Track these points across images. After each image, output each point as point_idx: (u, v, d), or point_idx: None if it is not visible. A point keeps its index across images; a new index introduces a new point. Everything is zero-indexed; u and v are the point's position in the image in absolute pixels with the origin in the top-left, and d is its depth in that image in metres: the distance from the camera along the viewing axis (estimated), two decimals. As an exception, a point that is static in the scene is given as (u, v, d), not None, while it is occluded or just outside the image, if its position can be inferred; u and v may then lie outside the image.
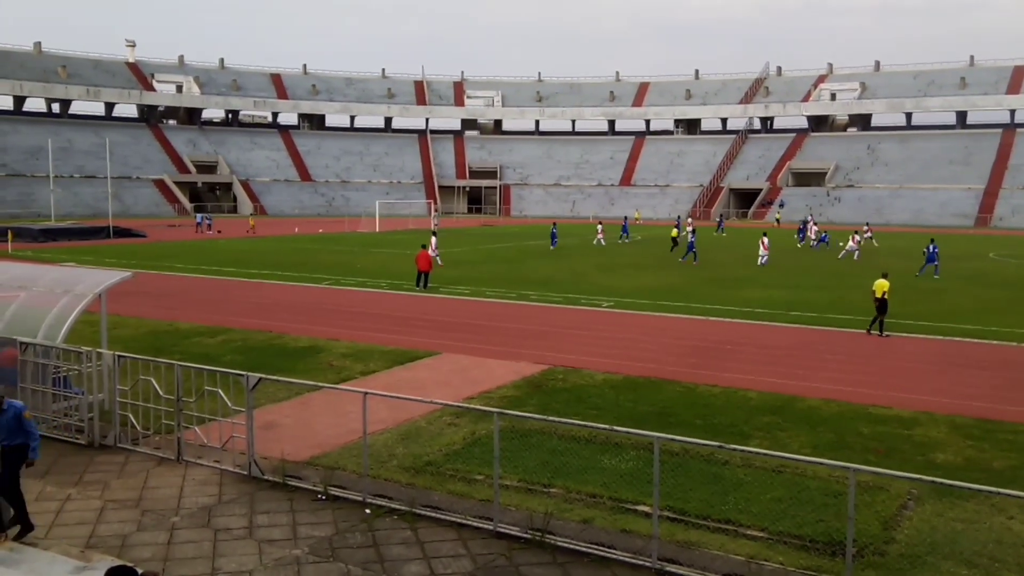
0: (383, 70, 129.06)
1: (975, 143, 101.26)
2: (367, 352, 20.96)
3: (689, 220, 64.47)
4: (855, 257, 48.65)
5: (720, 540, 10.23)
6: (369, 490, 11.49)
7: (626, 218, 71.69)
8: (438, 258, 41.41)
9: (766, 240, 46.03)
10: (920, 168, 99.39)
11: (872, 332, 23.99)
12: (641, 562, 9.64)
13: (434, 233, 44.62)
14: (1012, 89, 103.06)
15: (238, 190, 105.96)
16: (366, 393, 11.66)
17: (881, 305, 23.98)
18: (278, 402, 16.03)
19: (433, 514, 10.94)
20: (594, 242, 58.99)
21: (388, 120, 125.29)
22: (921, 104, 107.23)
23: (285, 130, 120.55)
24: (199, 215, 76.86)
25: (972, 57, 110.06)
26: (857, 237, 50.31)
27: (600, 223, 66.21)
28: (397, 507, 11.14)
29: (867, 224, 65.59)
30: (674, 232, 56.90)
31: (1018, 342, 23.21)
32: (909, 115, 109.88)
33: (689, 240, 48.56)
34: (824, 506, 11.04)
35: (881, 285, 24.04)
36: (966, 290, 34.75)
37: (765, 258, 44.88)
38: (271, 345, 21.81)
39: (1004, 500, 11.05)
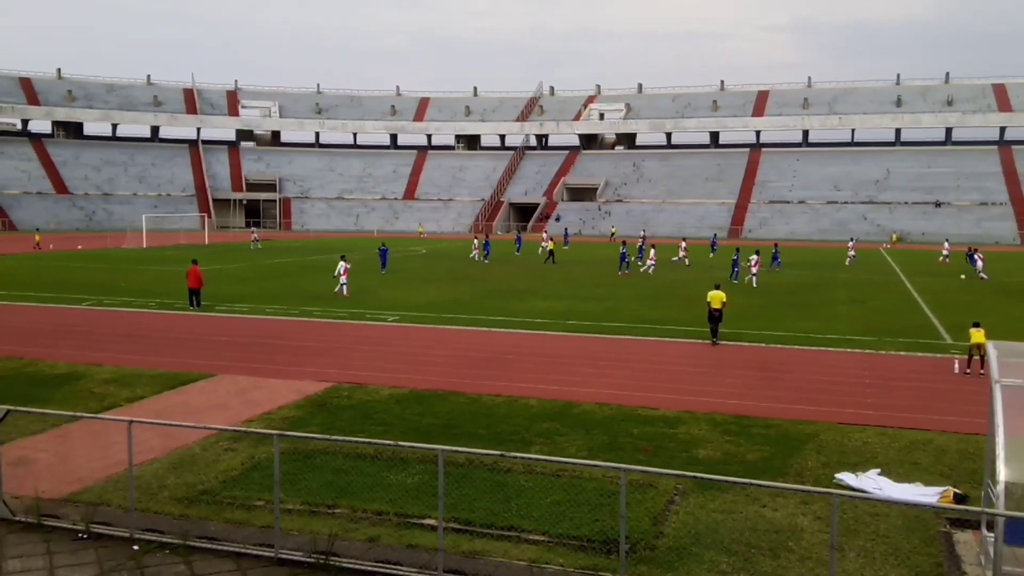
0: (148, 76, 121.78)
1: (727, 161, 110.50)
2: (134, 376, 19.62)
3: (683, 243, 58.79)
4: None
5: (504, 547, 10.46)
6: (137, 525, 10.75)
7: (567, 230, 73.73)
8: (344, 288, 35.81)
9: (754, 258, 43.22)
10: (680, 184, 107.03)
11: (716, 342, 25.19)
12: (427, 575, 9.67)
13: (343, 256, 38.07)
14: (756, 112, 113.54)
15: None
16: (131, 421, 10.92)
17: (711, 315, 25.37)
18: (31, 435, 14.65)
19: (209, 545, 10.41)
20: (675, 259, 55.61)
21: (155, 129, 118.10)
22: (679, 124, 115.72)
23: (37, 138, 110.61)
24: None
25: (723, 82, 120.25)
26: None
27: (684, 240, 59.92)
28: (169, 540, 10.50)
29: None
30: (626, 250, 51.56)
31: (767, 343, 25.51)
32: (669, 135, 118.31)
33: (734, 259, 46.76)
34: (599, 506, 11.58)
35: (716, 296, 25.43)
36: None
37: (755, 278, 42.26)
38: (22, 373, 19.88)
39: (757, 490, 12.12)
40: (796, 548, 10.54)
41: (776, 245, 53.33)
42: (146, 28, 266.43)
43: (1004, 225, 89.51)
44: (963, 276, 47.88)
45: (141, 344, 24.16)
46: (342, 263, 36.49)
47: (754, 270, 42.89)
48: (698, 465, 13.50)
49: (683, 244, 58.31)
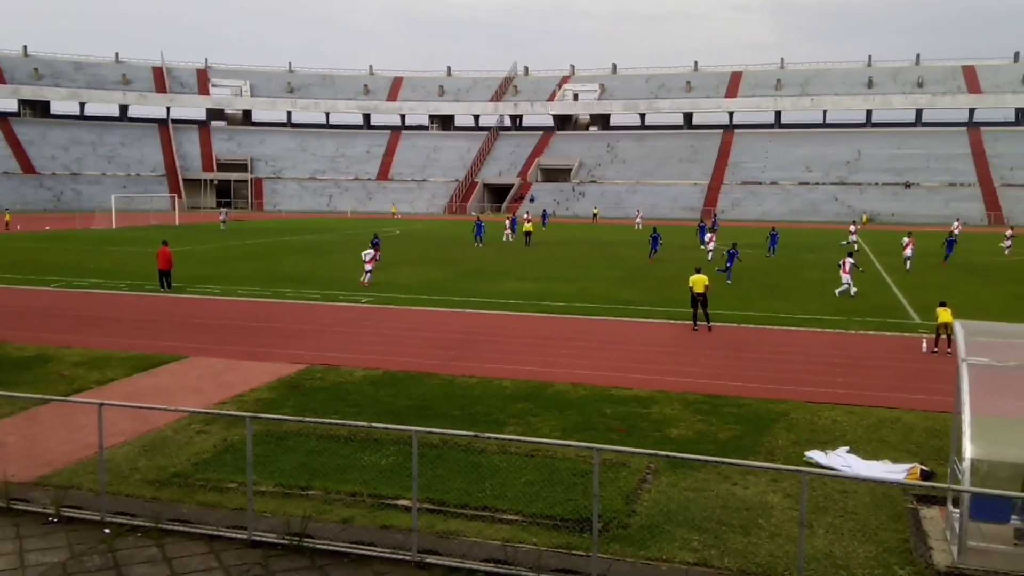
0: (116, 54, 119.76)
1: (700, 142, 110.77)
2: (103, 359, 19.42)
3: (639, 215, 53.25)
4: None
5: (478, 527, 10.51)
6: (108, 508, 10.67)
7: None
8: (366, 277, 33.15)
9: (849, 261, 31.77)
10: (654, 165, 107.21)
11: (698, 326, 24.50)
12: (401, 556, 9.70)
13: (373, 244, 36.02)
14: (730, 93, 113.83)
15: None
16: (101, 404, 10.82)
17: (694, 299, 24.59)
18: (-1, 419, 14.48)
19: (181, 528, 10.35)
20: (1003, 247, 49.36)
21: (124, 108, 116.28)
22: (653, 106, 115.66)
23: (3, 117, 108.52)
24: None
25: (696, 63, 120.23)
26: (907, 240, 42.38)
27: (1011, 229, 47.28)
28: (141, 524, 10.44)
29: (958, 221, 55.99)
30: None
31: (739, 324, 25.71)
32: (643, 116, 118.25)
33: (729, 253, 37.87)
34: (573, 486, 11.65)
35: (699, 280, 24.54)
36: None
37: (849, 287, 31.38)
38: (-11, 356, 19.62)
39: (728, 468, 12.25)
40: (766, 525, 10.68)
41: (774, 227, 52.38)
42: (114, 4, 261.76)
43: (972, 206, 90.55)
44: (862, 270, 35.20)
45: (111, 326, 23.91)
46: (371, 250, 34.87)
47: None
48: (670, 444, 13.61)
49: (853, 227, 55.45)
